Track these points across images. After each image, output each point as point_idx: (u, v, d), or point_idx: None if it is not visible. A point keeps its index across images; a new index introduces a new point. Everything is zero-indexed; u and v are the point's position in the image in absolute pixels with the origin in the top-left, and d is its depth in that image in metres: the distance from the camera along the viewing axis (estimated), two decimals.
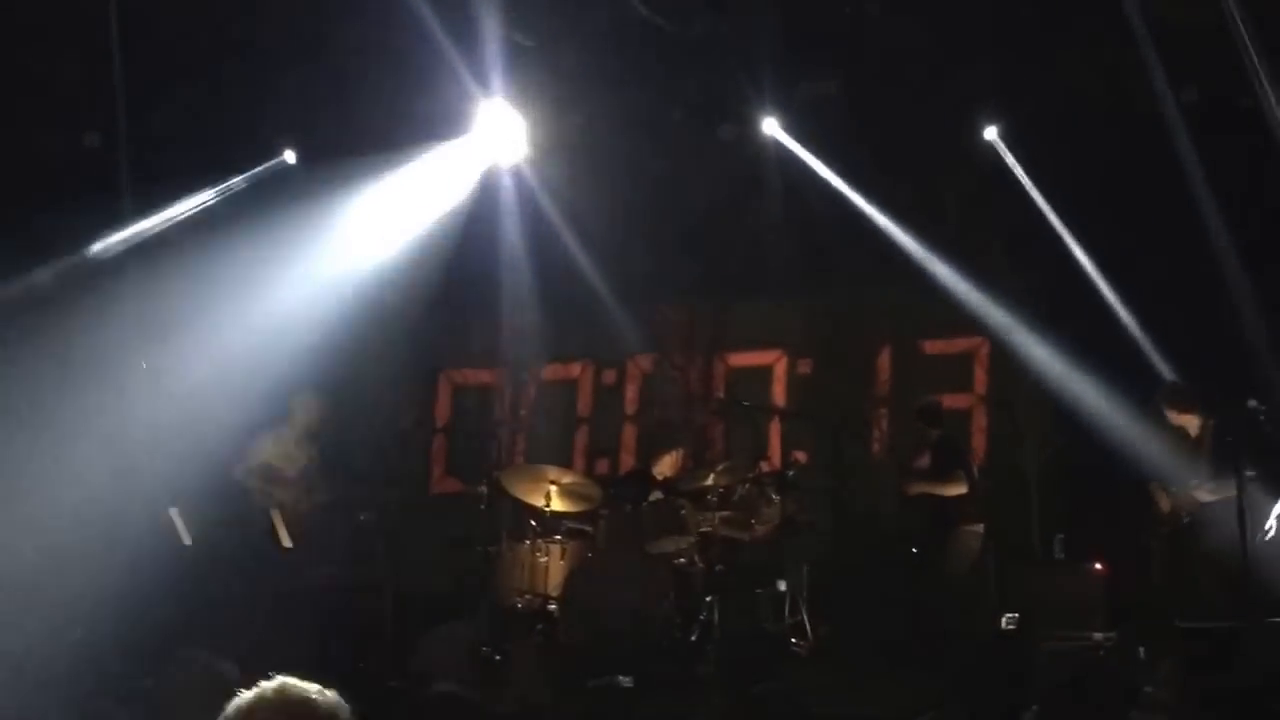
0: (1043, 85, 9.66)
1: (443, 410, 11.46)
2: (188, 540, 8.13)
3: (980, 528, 9.11)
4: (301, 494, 8.82)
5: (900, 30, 9.57)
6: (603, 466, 11.18)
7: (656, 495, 9.23)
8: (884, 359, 11.01)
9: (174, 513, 8.05)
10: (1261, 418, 7.88)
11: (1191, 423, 8.58)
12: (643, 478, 9.54)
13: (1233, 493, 7.74)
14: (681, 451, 9.69)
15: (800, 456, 10.78)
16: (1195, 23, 8.68)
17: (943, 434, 9.42)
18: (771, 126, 10.53)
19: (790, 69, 10.20)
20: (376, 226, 10.58)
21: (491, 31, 9.49)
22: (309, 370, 9.91)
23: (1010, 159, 10.18)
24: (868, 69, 10.05)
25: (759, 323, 11.20)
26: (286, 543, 8.23)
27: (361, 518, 9.35)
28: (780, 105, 10.47)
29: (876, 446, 10.81)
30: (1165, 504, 8.61)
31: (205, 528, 8.14)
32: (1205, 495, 8.35)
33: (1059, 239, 10.08)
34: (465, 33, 9.43)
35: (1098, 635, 8.66)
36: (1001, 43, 9.54)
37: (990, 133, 10.22)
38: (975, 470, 9.34)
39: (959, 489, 9.05)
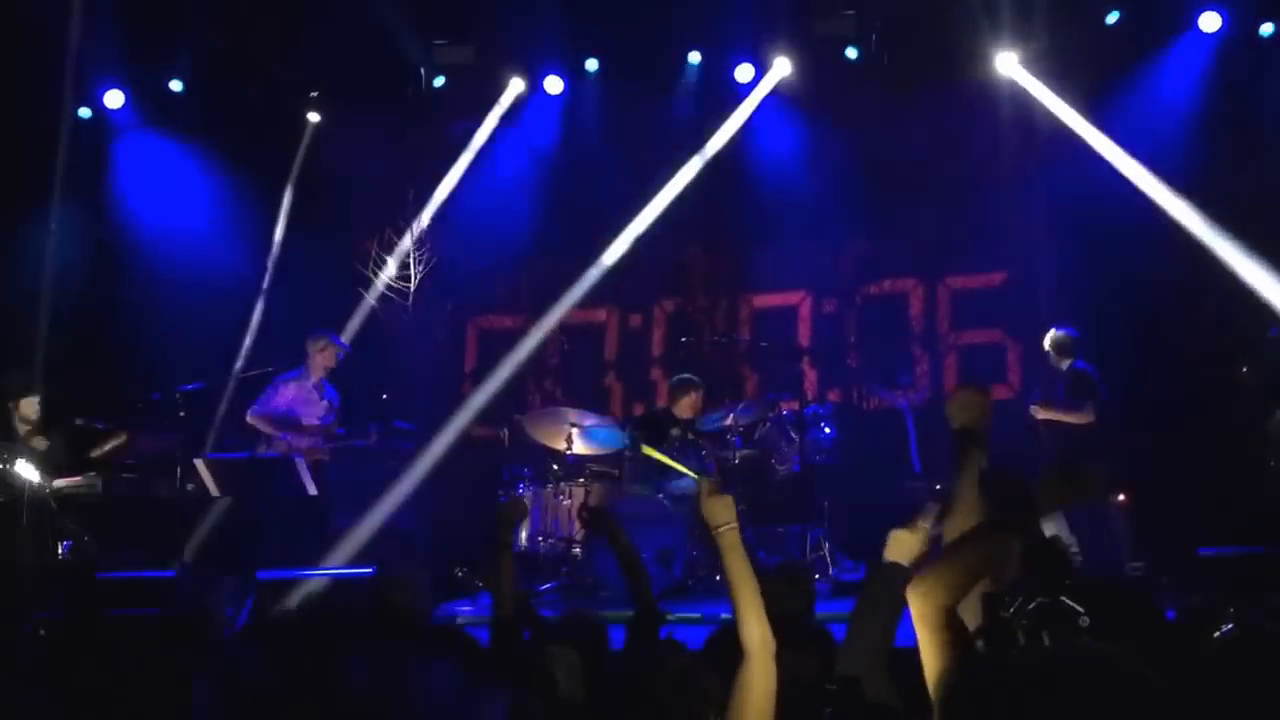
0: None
1: (471, 356, 11.56)
2: (216, 492, 8.28)
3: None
4: (318, 441, 8.86)
5: None
6: (637, 410, 11.21)
7: (676, 434, 9.28)
8: (915, 296, 10.97)
9: (199, 464, 8.17)
10: None
11: None
12: (663, 417, 9.59)
13: None
14: (702, 391, 9.71)
15: (834, 396, 10.79)
16: None
17: (1073, 363, 9.12)
18: (788, 67, 10.48)
19: (805, 7, 10.14)
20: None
21: None
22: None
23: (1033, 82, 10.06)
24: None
25: (783, 264, 11.15)
26: (311, 490, 8.31)
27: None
28: (797, 45, 10.41)
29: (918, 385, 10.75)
30: None
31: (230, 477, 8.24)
32: None
33: (1087, 148, 9.95)
34: None
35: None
36: None
37: (1008, 61, 10.12)
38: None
39: (1086, 418, 8.90)
